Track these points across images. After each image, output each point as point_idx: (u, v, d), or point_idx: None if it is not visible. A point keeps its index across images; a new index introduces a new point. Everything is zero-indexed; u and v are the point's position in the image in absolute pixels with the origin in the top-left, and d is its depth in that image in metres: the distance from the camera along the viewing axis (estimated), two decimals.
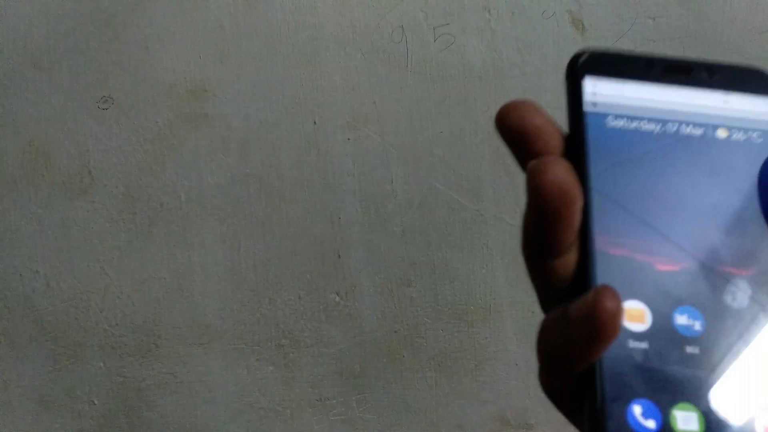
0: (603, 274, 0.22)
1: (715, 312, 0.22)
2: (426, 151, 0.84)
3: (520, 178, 0.84)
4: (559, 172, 0.21)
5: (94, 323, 0.83)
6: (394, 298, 0.83)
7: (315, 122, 0.83)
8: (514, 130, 0.22)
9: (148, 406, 0.83)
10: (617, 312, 0.20)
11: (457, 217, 0.84)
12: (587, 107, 0.24)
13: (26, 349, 0.83)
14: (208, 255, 0.83)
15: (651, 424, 0.21)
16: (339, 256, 0.83)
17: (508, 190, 0.84)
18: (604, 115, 0.24)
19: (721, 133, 0.25)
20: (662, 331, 0.22)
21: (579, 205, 0.21)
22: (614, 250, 0.22)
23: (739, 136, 0.25)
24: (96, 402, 0.83)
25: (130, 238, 0.83)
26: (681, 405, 0.21)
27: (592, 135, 0.24)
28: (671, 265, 0.22)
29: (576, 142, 0.23)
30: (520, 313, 0.83)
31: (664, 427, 0.21)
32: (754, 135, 0.25)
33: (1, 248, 0.82)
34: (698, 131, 0.25)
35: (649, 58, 0.25)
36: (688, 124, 0.25)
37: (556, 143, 0.22)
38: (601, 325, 0.19)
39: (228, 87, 0.83)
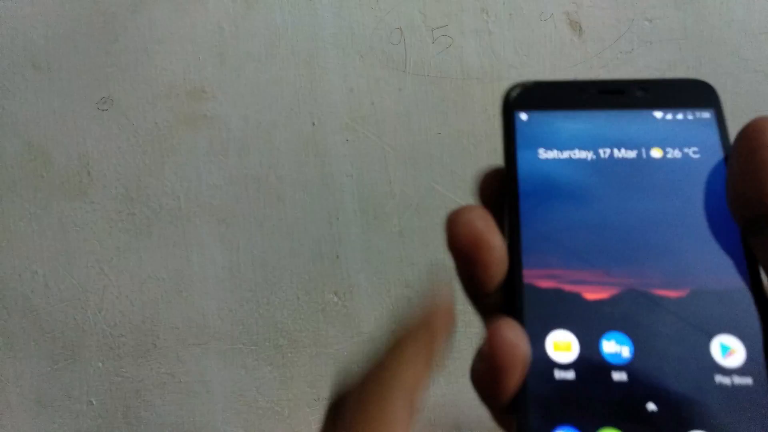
0: (528, 308, 0.22)
1: (645, 336, 0.22)
2: (424, 152, 0.84)
3: None
4: (471, 218, 0.22)
5: (93, 323, 0.83)
6: (392, 298, 0.84)
7: (314, 123, 0.84)
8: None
9: (146, 406, 0.83)
10: (514, 344, 0.20)
11: None
12: (520, 141, 0.24)
13: (24, 349, 0.83)
14: (206, 255, 0.83)
15: None
16: (337, 257, 0.83)
17: None
18: (536, 149, 0.24)
19: (656, 153, 0.24)
20: (590, 359, 0.22)
21: (494, 247, 0.22)
22: (542, 283, 0.23)
23: (675, 153, 0.24)
24: (94, 402, 0.83)
25: (129, 238, 0.83)
26: (605, 429, 0.21)
27: (523, 169, 0.24)
28: (600, 293, 0.22)
29: (509, 177, 0.24)
30: None
31: None
32: (691, 151, 0.24)
33: (0, 249, 0.82)
34: (631, 154, 0.24)
35: (581, 83, 0.25)
36: (620, 148, 0.24)
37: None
38: (500, 358, 0.20)
39: (227, 88, 0.83)
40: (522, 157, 0.24)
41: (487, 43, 0.84)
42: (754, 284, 0.22)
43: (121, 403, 0.83)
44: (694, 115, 0.25)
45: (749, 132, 0.22)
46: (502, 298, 0.23)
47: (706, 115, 0.25)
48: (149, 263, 0.83)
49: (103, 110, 0.83)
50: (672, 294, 0.22)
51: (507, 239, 0.23)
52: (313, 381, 0.84)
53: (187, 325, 0.83)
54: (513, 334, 0.21)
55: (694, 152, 0.24)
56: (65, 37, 0.83)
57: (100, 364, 0.83)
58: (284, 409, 0.84)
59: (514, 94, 0.25)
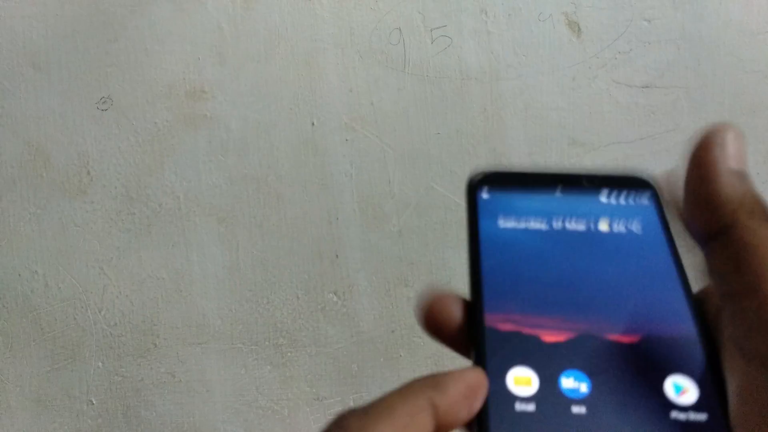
0: (490, 347, 0.24)
1: (602, 375, 0.23)
2: (423, 151, 0.84)
3: None
4: (435, 305, 0.25)
5: (93, 323, 0.83)
6: (391, 297, 0.84)
7: (313, 123, 0.84)
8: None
9: (146, 406, 0.83)
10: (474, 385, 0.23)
11: (453, 218, 0.84)
12: (481, 216, 0.27)
13: (24, 348, 0.83)
14: (206, 255, 0.83)
15: None
16: (337, 256, 0.83)
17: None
18: (496, 219, 0.27)
19: (603, 226, 0.27)
20: (549, 393, 0.23)
21: (453, 327, 0.24)
22: (502, 326, 0.24)
23: (619, 226, 0.27)
24: (94, 401, 0.83)
25: (129, 238, 0.83)
26: None
27: (485, 238, 0.26)
28: (557, 336, 0.24)
29: (471, 242, 0.26)
30: None
31: None
32: (633, 222, 0.27)
33: (0, 248, 0.83)
34: (581, 226, 0.27)
35: (540, 174, 0.28)
36: (571, 221, 0.27)
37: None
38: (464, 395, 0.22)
39: (226, 88, 0.83)
40: (483, 225, 0.27)
41: (486, 43, 0.84)
42: (701, 330, 0.24)
43: (121, 403, 0.83)
44: (635, 197, 0.28)
45: (698, 149, 0.23)
46: (468, 339, 0.25)
47: (646, 197, 0.28)
48: (149, 263, 0.83)
49: (102, 110, 0.83)
50: (625, 339, 0.24)
51: (470, 291, 0.26)
52: (312, 380, 0.84)
53: (186, 325, 0.83)
54: (473, 375, 0.23)
55: (637, 225, 0.28)
56: (65, 37, 0.83)
57: (100, 364, 0.83)
58: (284, 408, 0.84)
59: (477, 179, 0.28)
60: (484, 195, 0.28)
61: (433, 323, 0.25)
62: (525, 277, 0.26)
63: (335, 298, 0.84)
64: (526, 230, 0.27)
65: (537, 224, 0.27)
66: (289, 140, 0.84)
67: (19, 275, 0.83)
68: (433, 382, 0.22)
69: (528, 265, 0.26)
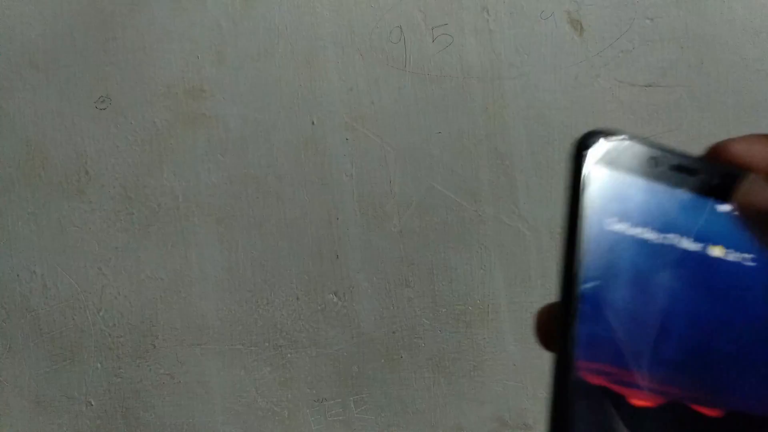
0: (575, 406, 0.21)
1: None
2: (424, 151, 0.84)
3: (518, 179, 0.84)
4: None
5: (91, 324, 0.82)
6: (392, 298, 0.83)
7: (313, 122, 0.83)
8: None
9: (145, 407, 0.83)
10: None
11: (455, 218, 0.84)
12: (588, 202, 0.22)
13: (23, 349, 0.82)
14: (205, 255, 0.83)
15: None
16: (337, 257, 0.83)
17: (506, 191, 0.84)
18: (604, 214, 0.22)
19: (731, 256, 0.22)
20: None
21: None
22: (592, 379, 0.21)
23: (737, 256, 0.22)
24: (93, 403, 0.83)
25: (128, 238, 0.83)
26: None
27: (588, 232, 0.22)
28: (647, 400, 0.21)
29: (569, 238, 0.22)
30: (519, 313, 0.83)
31: None
32: (753, 257, 0.22)
33: None
34: (707, 250, 0.22)
35: (660, 151, 0.22)
36: (690, 239, 0.22)
37: None
38: None
39: (226, 87, 0.83)
40: (589, 217, 0.22)
41: (488, 41, 0.84)
42: None
43: (120, 404, 0.83)
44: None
45: None
46: (553, 390, 0.21)
47: None
48: (148, 263, 0.82)
49: (101, 109, 0.83)
50: (709, 412, 0.21)
51: (561, 308, 0.22)
52: (312, 381, 0.83)
53: (186, 326, 0.83)
54: None
55: (755, 259, 0.22)
56: (63, 36, 0.83)
57: (99, 365, 0.83)
58: (284, 409, 0.83)
59: (590, 142, 0.23)
60: (597, 172, 0.22)
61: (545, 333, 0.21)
62: (626, 309, 0.21)
63: (335, 299, 0.83)
64: (639, 241, 0.22)
65: (650, 234, 0.22)
66: (289, 140, 0.83)
67: (18, 276, 0.82)
68: None
69: (632, 293, 0.21)
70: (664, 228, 0.22)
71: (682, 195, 0.22)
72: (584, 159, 0.22)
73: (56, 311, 0.82)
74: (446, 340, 0.84)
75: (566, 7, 0.84)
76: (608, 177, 0.22)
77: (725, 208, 0.22)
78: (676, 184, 0.22)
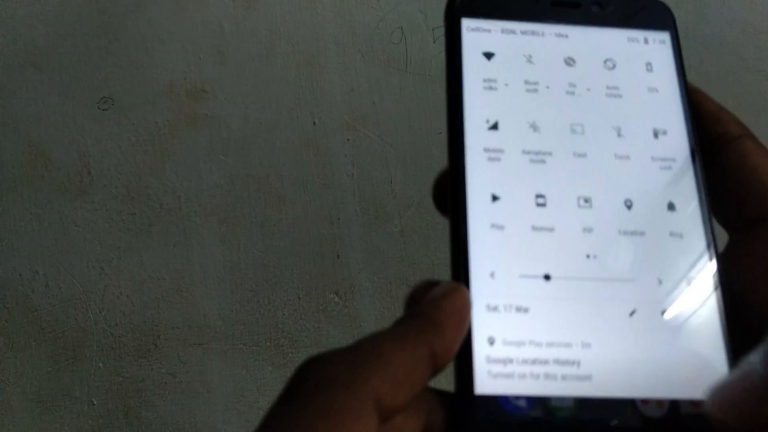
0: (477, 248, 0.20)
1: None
2: (425, 151, 0.84)
3: None
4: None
5: (93, 323, 0.83)
6: (393, 298, 0.83)
7: (314, 123, 0.84)
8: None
9: (147, 406, 0.83)
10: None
11: None
12: (465, 52, 0.21)
13: (25, 349, 0.83)
14: (207, 255, 0.83)
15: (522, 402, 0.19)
16: (338, 256, 0.83)
17: None
18: (484, 58, 0.22)
19: (611, 71, 0.22)
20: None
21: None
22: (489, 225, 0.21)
23: (631, 71, 0.22)
24: (95, 402, 0.83)
25: (130, 238, 0.83)
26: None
27: (469, 80, 0.21)
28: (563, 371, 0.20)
29: (452, 89, 0.21)
30: None
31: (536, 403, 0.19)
32: (647, 67, 0.22)
33: (0, 248, 0.82)
34: (588, 70, 0.22)
35: None
36: (570, 67, 0.22)
37: None
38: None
39: (227, 87, 0.83)
40: (469, 67, 0.22)
41: None
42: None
43: (122, 404, 0.83)
44: (651, 35, 0.22)
45: (735, 136, 0.21)
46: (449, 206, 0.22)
47: (665, 33, 0.22)
48: (150, 263, 0.83)
49: (103, 110, 0.83)
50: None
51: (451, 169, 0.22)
52: None
53: (187, 325, 0.83)
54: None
55: (652, 73, 0.22)
56: (66, 37, 0.83)
57: (101, 365, 0.83)
58: None
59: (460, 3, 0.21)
60: (469, 25, 0.22)
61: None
62: (513, 146, 0.21)
63: (337, 299, 0.83)
64: (529, 70, 0.21)
65: (530, 69, 0.21)
66: (291, 140, 0.83)
67: (20, 275, 0.82)
68: (431, 324, 0.19)
69: (518, 123, 0.21)
70: (545, 58, 0.21)
71: (563, 27, 0.22)
72: (457, 13, 0.22)
73: (58, 311, 0.83)
74: None
75: None
76: (484, 24, 0.21)
77: (613, 33, 0.22)
78: (556, 19, 0.22)
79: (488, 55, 0.21)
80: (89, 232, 0.83)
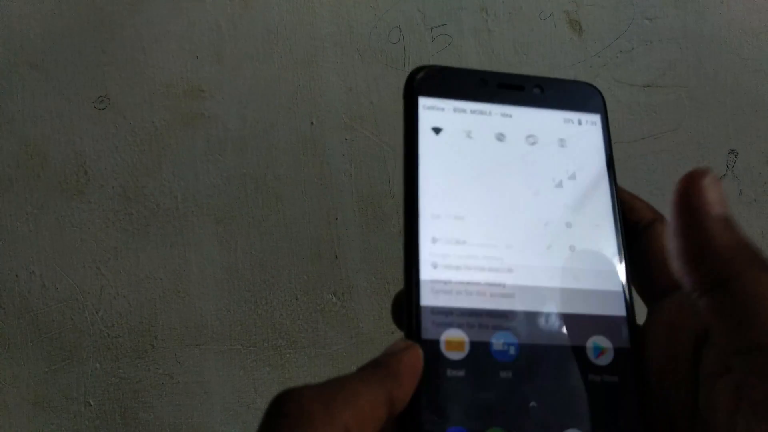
0: (425, 299, 0.23)
1: (529, 334, 0.23)
2: None
3: None
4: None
5: (90, 324, 0.82)
6: (391, 298, 0.83)
7: (312, 122, 0.83)
8: None
9: (144, 407, 0.83)
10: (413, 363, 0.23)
11: None
12: (421, 124, 0.25)
13: (21, 350, 0.82)
14: (204, 255, 0.83)
15: None
16: (336, 257, 0.83)
17: None
18: (437, 131, 0.25)
19: (548, 144, 0.25)
20: (480, 358, 0.22)
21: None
22: (436, 276, 0.23)
23: (568, 147, 0.25)
24: (92, 403, 0.82)
25: (126, 238, 0.82)
26: (493, 430, 0.22)
27: (424, 149, 0.25)
28: (492, 290, 0.23)
29: (409, 156, 0.24)
30: None
31: None
32: (581, 144, 0.25)
33: None
34: (526, 143, 0.25)
35: (482, 73, 0.25)
36: (519, 137, 0.25)
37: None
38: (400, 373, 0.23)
39: (224, 87, 0.83)
40: (423, 138, 0.25)
41: (487, 42, 0.84)
42: (627, 287, 0.24)
43: (119, 404, 0.83)
44: (584, 117, 0.26)
45: (687, 189, 0.22)
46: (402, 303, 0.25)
47: (596, 114, 0.26)
48: (147, 263, 0.82)
49: (100, 109, 0.83)
50: (554, 300, 0.23)
51: (404, 235, 0.25)
52: (312, 381, 0.83)
53: (185, 326, 0.83)
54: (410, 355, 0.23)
55: (585, 149, 0.26)
56: (62, 36, 0.82)
57: (98, 365, 0.82)
58: None
59: (418, 77, 0.25)
60: (425, 102, 0.25)
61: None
62: (463, 201, 0.24)
63: (334, 299, 0.83)
64: (466, 147, 0.24)
65: (479, 141, 0.24)
66: (288, 139, 0.83)
67: (16, 276, 0.82)
68: (390, 373, 0.22)
69: (467, 188, 0.24)
70: (491, 131, 0.25)
71: (508, 107, 0.25)
72: (415, 90, 0.25)
73: (55, 311, 0.82)
74: None
75: (565, 8, 0.84)
76: (439, 102, 0.24)
77: (552, 114, 0.25)
78: (502, 100, 0.25)
79: (437, 130, 0.24)
80: (86, 232, 0.82)
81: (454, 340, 0.23)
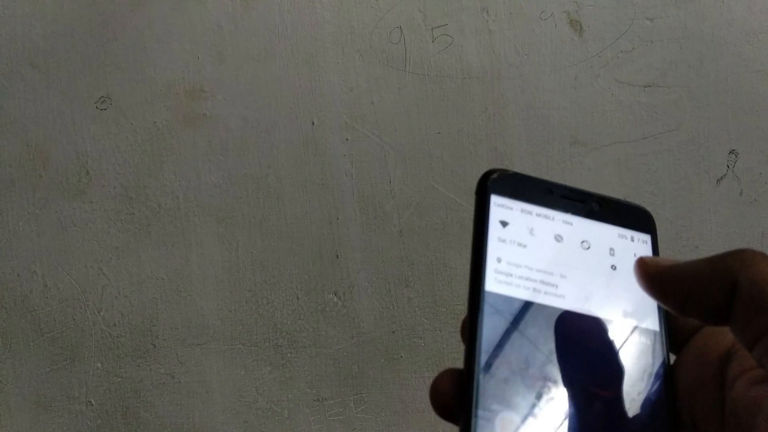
0: (483, 383, 0.25)
1: (579, 427, 0.25)
2: (424, 151, 0.84)
3: None
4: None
5: (92, 324, 0.83)
6: (392, 298, 0.83)
7: (313, 123, 0.83)
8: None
9: (145, 407, 0.83)
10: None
11: (455, 218, 0.84)
12: (491, 217, 0.27)
13: (23, 349, 0.82)
14: (206, 255, 0.83)
15: None
16: (337, 257, 0.83)
17: None
18: (503, 224, 0.27)
19: (608, 259, 0.28)
20: None
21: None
22: (499, 370, 0.25)
23: (622, 262, 0.28)
24: (93, 402, 0.83)
25: (128, 238, 0.83)
26: None
27: (492, 237, 0.27)
28: (546, 382, 0.25)
29: (477, 252, 0.26)
30: None
31: None
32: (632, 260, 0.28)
33: None
34: (590, 256, 0.28)
35: (549, 183, 0.28)
36: (576, 241, 0.28)
37: None
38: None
39: (226, 87, 0.83)
40: (492, 231, 0.27)
41: (488, 42, 0.84)
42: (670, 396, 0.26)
43: (121, 404, 0.83)
44: (636, 236, 0.29)
45: (640, 279, 0.26)
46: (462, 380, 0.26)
47: (648, 235, 0.30)
48: (148, 263, 0.83)
49: (101, 109, 0.83)
50: (604, 393, 0.26)
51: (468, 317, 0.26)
52: (312, 381, 0.83)
53: (186, 326, 0.83)
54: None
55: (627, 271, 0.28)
56: (64, 36, 0.83)
57: (100, 365, 0.83)
58: (284, 409, 0.83)
59: (492, 177, 0.28)
60: (497, 200, 0.28)
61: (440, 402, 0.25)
62: (526, 311, 0.26)
63: (335, 299, 0.83)
64: (528, 239, 0.27)
65: (546, 245, 0.27)
66: (289, 140, 0.83)
67: (18, 276, 0.82)
68: None
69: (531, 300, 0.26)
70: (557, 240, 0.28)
71: (569, 216, 0.28)
72: (488, 189, 0.28)
73: (56, 311, 0.82)
74: (446, 340, 0.84)
75: (566, 8, 0.85)
76: (508, 202, 0.28)
77: (606, 228, 0.28)
78: (564, 209, 0.28)
79: (504, 223, 0.27)
80: (87, 232, 0.82)
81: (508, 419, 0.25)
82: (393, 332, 0.83)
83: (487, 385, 0.24)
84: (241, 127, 0.83)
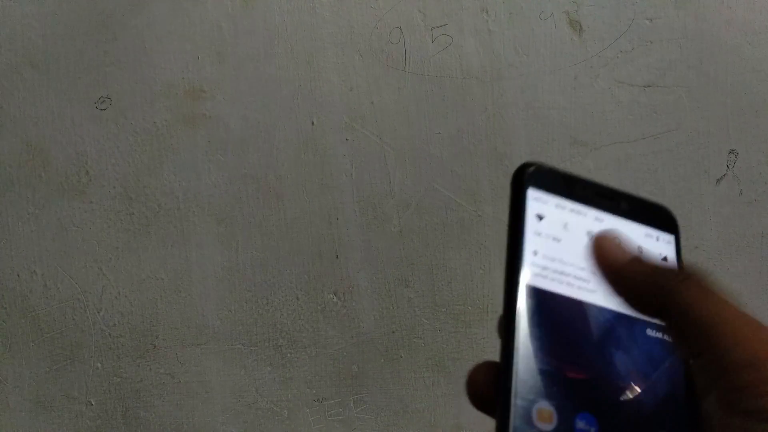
0: (520, 375, 0.26)
1: (610, 418, 0.26)
2: (424, 151, 0.84)
3: None
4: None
5: (92, 324, 0.83)
6: (391, 298, 0.83)
7: (313, 123, 0.83)
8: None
9: (145, 407, 0.83)
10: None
11: (454, 218, 0.84)
12: (528, 210, 0.28)
13: (23, 349, 0.82)
14: (205, 255, 0.83)
15: None
16: (337, 257, 0.83)
17: (505, 191, 0.83)
18: (539, 217, 0.28)
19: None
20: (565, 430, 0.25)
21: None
22: (534, 360, 0.26)
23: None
24: (93, 403, 0.83)
25: (128, 238, 0.83)
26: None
27: (529, 230, 0.27)
28: (579, 374, 0.26)
29: (514, 245, 0.27)
30: None
31: None
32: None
33: None
34: None
35: (583, 181, 0.29)
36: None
37: None
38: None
39: (226, 87, 0.83)
40: (529, 225, 0.28)
41: (487, 42, 0.84)
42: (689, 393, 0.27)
43: (121, 404, 0.83)
44: (662, 236, 0.31)
45: (597, 264, 0.27)
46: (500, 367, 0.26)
47: (672, 234, 0.31)
48: (148, 263, 0.83)
49: (101, 109, 0.83)
50: (631, 388, 0.26)
51: (504, 305, 0.27)
52: (312, 381, 0.83)
53: (186, 326, 0.83)
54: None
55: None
56: (63, 37, 0.83)
57: (99, 365, 0.83)
58: (284, 409, 0.83)
59: (529, 171, 0.29)
60: (533, 193, 0.28)
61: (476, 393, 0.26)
62: (562, 307, 0.27)
63: (335, 299, 0.83)
64: (562, 233, 0.28)
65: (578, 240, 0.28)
66: (289, 140, 0.83)
67: (18, 276, 0.82)
68: None
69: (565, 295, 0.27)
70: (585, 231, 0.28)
71: (600, 212, 0.29)
72: (525, 183, 0.28)
73: (56, 311, 0.82)
74: (446, 340, 0.84)
75: (565, 8, 0.85)
76: (544, 196, 0.28)
77: (631, 226, 0.29)
78: (596, 205, 0.29)
79: (540, 217, 0.28)
80: (87, 233, 0.82)
81: (544, 411, 0.25)
82: (393, 332, 0.83)
83: (522, 377, 0.25)
84: (241, 127, 0.83)
